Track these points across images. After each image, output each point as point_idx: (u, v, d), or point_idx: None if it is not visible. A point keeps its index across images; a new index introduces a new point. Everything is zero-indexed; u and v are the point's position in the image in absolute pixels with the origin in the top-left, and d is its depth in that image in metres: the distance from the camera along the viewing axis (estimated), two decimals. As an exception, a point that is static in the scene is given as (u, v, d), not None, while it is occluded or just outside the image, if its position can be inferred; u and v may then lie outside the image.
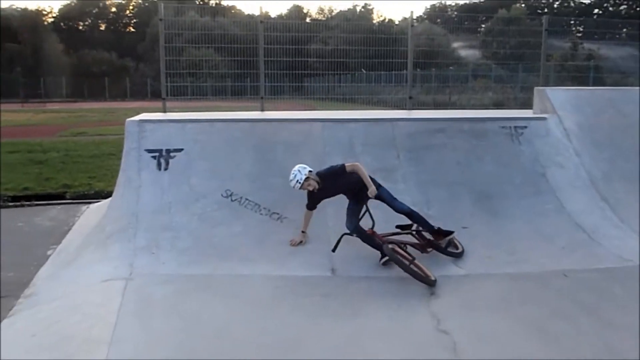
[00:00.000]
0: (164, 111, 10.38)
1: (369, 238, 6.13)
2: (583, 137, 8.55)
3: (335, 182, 6.28)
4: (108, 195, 9.66)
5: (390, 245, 5.79)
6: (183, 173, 7.41)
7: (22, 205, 9.94)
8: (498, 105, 19.85)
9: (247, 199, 7.21)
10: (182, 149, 7.61)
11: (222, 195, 7.23)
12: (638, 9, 72.33)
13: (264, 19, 11.11)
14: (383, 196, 6.33)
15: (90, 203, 9.91)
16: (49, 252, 7.07)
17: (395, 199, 6.41)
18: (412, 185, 7.58)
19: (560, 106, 8.91)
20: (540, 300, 5.30)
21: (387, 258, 5.88)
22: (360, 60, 13.43)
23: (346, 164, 6.23)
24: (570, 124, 8.68)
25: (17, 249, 7.26)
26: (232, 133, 7.91)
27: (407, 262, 5.62)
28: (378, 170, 7.59)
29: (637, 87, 9.97)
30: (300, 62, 12.27)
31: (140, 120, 7.87)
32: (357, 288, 5.64)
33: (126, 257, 6.27)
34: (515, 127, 8.42)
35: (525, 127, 8.45)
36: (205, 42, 12.43)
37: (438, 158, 7.89)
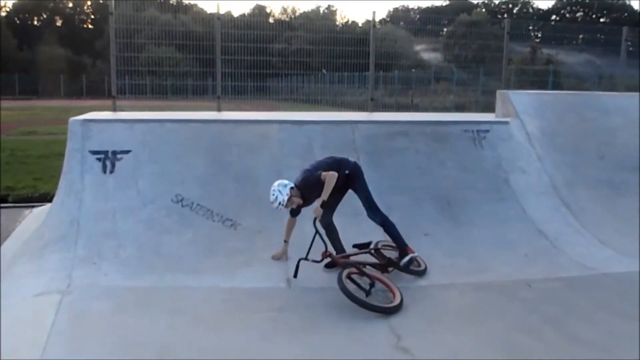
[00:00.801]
0: (114, 110, 9.85)
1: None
2: (545, 142, 8.43)
3: (313, 192, 5.75)
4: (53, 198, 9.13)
5: (345, 273, 5.23)
6: (130, 176, 6.93)
7: (-39, 209, 9.28)
8: (460, 109, 19.89)
9: (198, 205, 6.79)
10: (129, 151, 7.13)
11: (171, 200, 6.80)
12: (594, 16, 74.40)
13: (221, 16, 10.66)
14: (361, 198, 5.96)
15: (34, 207, 9.29)
16: (-18, 261, 6.50)
17: (371, 206, 5.97)
18: (372, 190, 7.25)
19: (522, 110, 8.77)
20: (504, 313, 5.06)
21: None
22: (323, 60, 13.16)
23: (322, 174, 5.66)
24: (533, 129, 8.55)
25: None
26: (184, 134, 7.47)
27: (363, 293, 5.13)
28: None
29: (598, 92, 9.96)
30: (262, 62, 11.91)
31: (85, 119, 7.36)
32: (313, 300, 5.29)
33: (64, 267, 5.77)
34: (477, 130, 8.23)
35: (488, 131, 8.27)
36: (163, 39, 11.96)
37: (399, 162, 7.62)
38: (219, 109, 10.32)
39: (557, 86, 20.92)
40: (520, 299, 5.41)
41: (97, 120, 7.41)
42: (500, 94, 9.39)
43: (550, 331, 4.69)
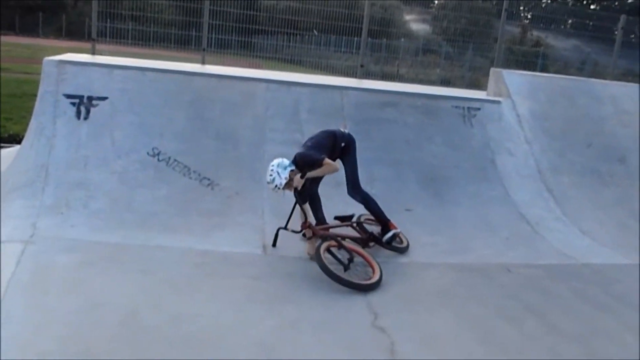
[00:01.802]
0: (93, 54, 9.36)
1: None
2: (535, 125, 8.29)
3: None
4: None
5: (324, 246, 5.02)
6: (105, 125, 6.59)
7: None
8: (445, 83, 19.65)
9: (175, 160, 6.50)
10: (106, 98, 6.77)
11: (147, 153, 6.49)
12: (584, 1, 74.20)
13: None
14: (346, 172, 5.68)
15: (2, 148, 8.86)
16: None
17: (355, 183, 5.71)
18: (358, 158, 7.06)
19: (515, 90, 8.60)
20: (484, 298, 4.93)
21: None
22: (312, 20, 12.69)
23: (325, 159, 5.25)
24: (524, 111, 8.40)
25: None
26: (165, 85, 7.10)
27: (341, 267, 4.92)
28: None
29: (592, 79, 9.83)
30: (250, 16, 11.43)
31: (61, 60, 6.93)
32: (290, 270, 5.10)
33: (29, 215, 5.47)
34: (468, 108, 8.04)
35: (479, 109, 8.08)
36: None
37: (387, 134, 7.40)
38: (203, 62, 9.89)
39: (544, 69, 20.82)
40: (500, 283, 5.30)
41: (74, 62, 6.98)
42: (493, 72, 9.17)
43: (530, 319, 4.58)
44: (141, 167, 6.35)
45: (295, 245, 5.54)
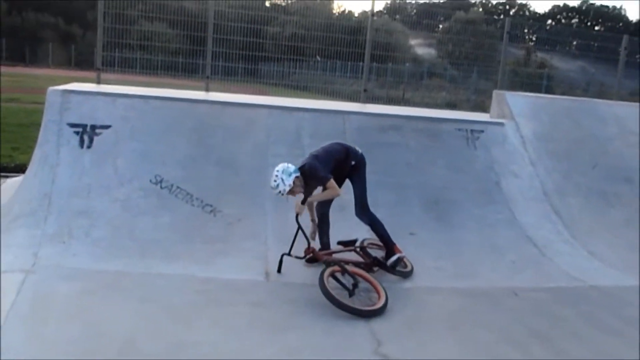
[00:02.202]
0: (98, 83, 9.47)
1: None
2: (539, 147, 8.25)
3: (315, 185, 5.49)
4: (29, 170, 8.78)
5: (327, 272, 4.96)
6: (108, 153, 6.61)
7: None
8: (451, 106, 19.71)
9: (178, 187, 6.50)
10: (109, 126, 6.81)
11: (150, 181, 6.49)
12: (589, 23, 74.67)
13: (215, -7, 10.30)
14: (355, 193, 5.63)
15: (9, 177, 8.91)
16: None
17: (363, 204, 5.63)
18: (359, 184, 7.03)
19: (518, 112, 8.57)
20: (490, 323, 4.85)
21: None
22: (316, 46, 12.81)
23: (330, 181, 5.26)
24: (528, 132, 8.36)
25: None
26: (168, 112, 7.14)
27: (346, 293, 4.87)
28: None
29: (595, 100, 9.80)
30: (255, 44, 11.56)
31: (65, 90, 6.99)
32: (293, 296, 5.04)
33: (31, 245, 5.47)
34: (471, 130, 8.01)
35: (482, 131, 8.05)
36: (156, 13, 11.56)
37: (389, 157, 7.36)
38: (207, 89, 9.98)
39: (549, 90, 20.84)
40: (507, 308, 5.22)
41: (77, 92, 7.04)
42: (496, 94, 9.17)
43: (536, 345, 4.49)
44: (144, 194, 6.35)
45: (298, 272, 5.48)
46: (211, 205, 6.40)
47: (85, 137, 6.66)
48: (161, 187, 6.47)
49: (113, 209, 6.13)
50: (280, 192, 5.20)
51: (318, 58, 13.69)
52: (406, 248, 5.96)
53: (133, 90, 7.97)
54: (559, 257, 6.61)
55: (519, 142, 8.17)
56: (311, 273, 5.44)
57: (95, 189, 6.27)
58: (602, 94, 16.83)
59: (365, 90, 11.01)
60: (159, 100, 7.25)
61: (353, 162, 5.59)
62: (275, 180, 5.19)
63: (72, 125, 6.71)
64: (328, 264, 5.14)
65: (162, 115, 7.06)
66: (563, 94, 19.03)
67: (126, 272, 5.16)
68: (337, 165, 5.44)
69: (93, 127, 6.74)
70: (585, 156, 8.38)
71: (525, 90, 16.28)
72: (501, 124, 8.31)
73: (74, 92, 7.01)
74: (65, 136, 6.63)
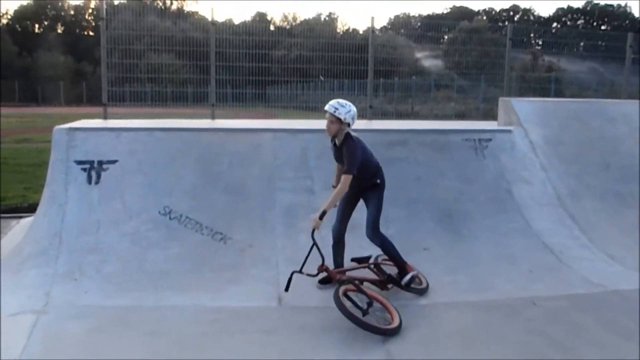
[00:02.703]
0: (105, 118, 9.57)
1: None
2: (549, 151, 8.14)
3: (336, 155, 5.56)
4: (42, 209, 8.82)
5: (342, 290, 4.89)
6: (116, 188, 6.64)
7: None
8: (460, 116, 19.66)
9: (187, 217, 6.49)
10: (116, 161, 6.85)
11: (159, 212, 6.50)
12: (594, 23, 74.40)
13: (216, 22, 10.41)
14: (369, 213, 5.46)
15: (22, 217, 8.98)
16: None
17: (375, 226, 5.45)
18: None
19: (525, 118, 8.48)
20: (508, 336, 4.73)
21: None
22: (323, 67, 12.92)
23: (349, 175, 5.15)
24: (536, 137, 8.25)
25: None
26: (173, 143, 7.18)
27: (360, 312, 4.75)
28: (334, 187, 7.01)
29: (602, 100, 9.68)
30: (262, 68, 11.65)
31: (70, 128, 7.07)
32: (306, 321, 4.96)
33: (43, 284, 5.47)
34: (479, 139, 7.93)
35: (490, 140, 7.97)
36: (162, 46, 11.74)
37: (397, 173, 7.28)
38: (212, 117, 10.03)
39: (559, 93, 20.72)
40: (525, 319, 5.09)
41: (83, 129, 7.11)
42: (502, 101, 9.09)
43: (556, 355, 4.38)
44: (153, 226, 6.35)
45: (311, 294, 5.42)
46: (221, 233, 6.38)
47: (93, 173, 6.70)
48: (170, 218, 6.47)
49: (123, 244, 6.13)
50: (336, 109, 5.23)
51: (322, 78, 13.74)
52: (420, 264, 5.90)
53: (137, 123, 8.05)
54: (577, 263, 6.47)
55: (528, 147, 8.07)
56: (325, 295, 5.39)
57: (104, 225, 6.29)
58: (612, 94, 16.67)
59: (370, 107, 10.99)
60: (163, 132, 7.29)
61: (378, 181, 5.48)
62: (344, 105, 5.25)
63: (79, 162, 6.76)
64: (342, 282, 5.06)
65: (167, 147, 7.10)
66: (573, 96, 18.93)
67: (137, 306, 5.14)
68: (360, 173, 5.29)
69: (100, 162, 6.79)
70: (597, 158, 8.26)
71: (535, 95, 16.21)
72: (509, 131, 8.23)
73: (80, 130, 7.08)
74: (72, 174, 6.68)
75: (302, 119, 11.63)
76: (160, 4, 62.93)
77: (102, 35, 9.53)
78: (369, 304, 4.85)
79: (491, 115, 14.26)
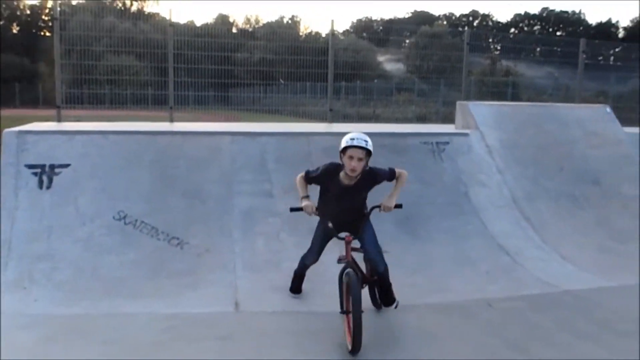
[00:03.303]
0: (59, 121, 9.31)
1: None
2: (505, 154, 8.29)
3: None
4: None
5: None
6: (69, 192, 6.45)
7: None
8: (421, 119, 19.89)
9: (143, 222, 6.36)
10: (69, 165, 6.66)
11: (113, 217, 6.35)
12: (550, 29, 76.38)
13: (174, 23, 10.27)
14: (371, 234, 4.98)
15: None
16: None
17: (379, 247, 5.04)
18: (329, 205, 6.96)
19: (482, 121, 8.62)
20: (465, 337, 4.77)
21: None
22: (285, 70, 12.87)
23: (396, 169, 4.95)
24: (493, 141, 8.40)
25: None
26: (128, 146, 7.02)
27: None
28: (292, 190, 6.95)
29: (557, 104, 9.92)
30: (224, 71, 11.55)
31: (20, 131, 6.85)
32: (264, 326, 4.90)
33: (-10, 294, 5.26)
34: (437, 143, 8.02)
35: (448, 143, 8.06)
36: (122, 47, 11.54)
37: (357, 176, 7.31)
38: (171, 120, 9.88)
39: (516, 97, 21.17)
40: (482, 320, 5.15)
41: (34, 132, 6.89)
42: (460, 105, 9.23)
43: (512, 355, 4.43)
44: (107, 232, 6.20)
45: (267, 300, 5.38)
46: (177, 238, 6.26)
47: (44, 178, 6.50)
48: (125, 223, 6.32)
49: (75, 250, 5.96)
50: (367, 142, 4.64)
51: (282, 81, 13.70)
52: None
53: (91, 126, 7.85)
54: (532, 264, 6.60)
55: (485, 151, 8.20)
56: (281, 300, 5.36)
57: (56, 231, 6.10)
58: (567, 98, 17.11)
59: (331, 110, 11.00)
60: (118, 135, 7.12)
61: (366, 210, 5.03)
62: (366, 140, 4.64)
63: (30, 167, 6.55)
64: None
65: (122, 150, 6.94)
66: (529, 100, 19.35)
67: (90, 314, 4.99)
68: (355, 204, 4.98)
69: (52, 166, 6.59)
70: (552, 161, 8.44)
71: (493, 99, 16.52)
72: (466, 135, 8.34)
73: (30, 133, 6.86)
74: (23, 178, 6.46)
75: (265, 122, 11.59)
76: (120, 5, 61.89)
77: (56, 35, 9.29)
78: None
79: (451, 119, 14.49)
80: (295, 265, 5.59)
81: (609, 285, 6.07)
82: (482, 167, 7.99)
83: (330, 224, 4.77)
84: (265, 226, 6.54)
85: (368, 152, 4.64)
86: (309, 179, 4.92)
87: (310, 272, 5.51)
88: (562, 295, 5.82)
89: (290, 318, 5.08)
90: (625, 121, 10.38)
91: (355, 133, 4.72)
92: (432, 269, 6.32)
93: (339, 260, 4.66)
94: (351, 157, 4.58)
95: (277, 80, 13.95)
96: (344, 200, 4.85)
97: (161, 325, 4.78)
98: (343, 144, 4.66)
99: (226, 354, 4.35)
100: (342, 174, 4.76)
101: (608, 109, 9.57)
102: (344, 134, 8.06)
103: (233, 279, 5.78)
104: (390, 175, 5.00)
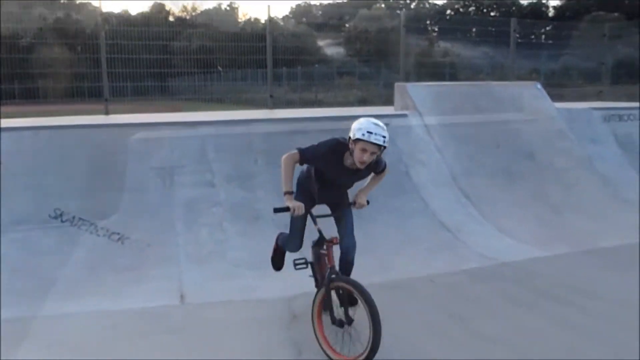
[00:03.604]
0: (-13, 118, 8.89)
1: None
2: (444, 134, 8.48)
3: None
4: None
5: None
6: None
7: None
8: (363, 102, 20.04)
9: (81, 219, 6.20)
10: (-3, 163, 6.39)
11: (49, 215, 6.15)
12: (484, 10, 78.19)
13: (109, 13, 9.96)
14: (347, 221, 4.69)
15: None
16: None
17: (353, 232, 4.72)
18: (272, 191, 6.93)
19: (421, 102, 8.78)
20: (408, 313, 4.90)
21: None
22: (225, 57, 12.70)
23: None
24: (431, 121, 8.57)
25: None
26: (62, 142, 6.79)
27: None
28: (236, 178, 6.98)
29: (492, 82, 10.21)
30: (163, 60, 11.30)
31: (-57, 130, 6.52)
32: (210, 317, 4.87)
33: None
34: (376, 125, 8.10)
35: (387, 124, 8.05)
36: (53, 39, 11.11)
37: (299, 160, 7.33)
38: (106, 112, 9.60)
39: (453, 78, 21.62)
40: (424, 296, 5.30)
41: (-42, 131, 6.57)
42: (398, 86, 9.36)
43: (454, 328, 4.59)
44: (44, 231, 6.00)
45: (213, 290, 5.35)
46: (118, 233, 6.13)
47: (-28, 178, 6.22)
48: (62, 221, 6.15)
49: (11, 251, 5.75)
50: (385, 138, 4.09)
51: (220, 69, 13.53)
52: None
53: (22, 122, 7.54)
54: (472, 239, 6.83)
55: (424, 131, 8.37)
56: (228, 289, 5.35)
57: (-11, 232, 5.87)
58: (502, 76, 17.60)
59: (271, 96, 10.95)
60: (50, 130, 6.89)
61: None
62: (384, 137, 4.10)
63: (-44, 167, 6.25)
64: None
65: (56, 146, 6.71)
66: (466, 79, 19.82)
67: (29, 317, 4.83)
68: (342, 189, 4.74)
69: (-21, 166, 6.31)
70: (488, 138, 8.69)
71: (432, 80, 16.79)
72: (404, 115, 8.49)
73: (-46, 132, 6.54)
74: (-52, 180, 6.17)
75: (206, 110, 11.43)
76: (48, -5, 59.39)
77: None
78: None
79: (391, 102, 14.71)
80: (239, 255, 5.61)
81: (545, 255, 6.34)
82: (421, 147, 8.15)
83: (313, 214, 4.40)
84: (208, 217, 6.48)
85: (384, 148, 4.12)
86: (304, 159, 4.35)
87: (256, 259, 5.53)
88: (500, 267, 6.06)
89: (237, 307, 5.08)
90: (556, 97, 10.81)
91: (372, 124, 4.09)
92: (378, 249, 6.41)
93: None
94: (364, 150, 4.02)
95: (216, 69, 13.78)
96: (338, 183, 4.54)
97: (105, 323, 4.68)
98: (357, 134, 4.03)
99: (175, 347, 4.31)
100: (346, 156, 4.25)
101: (539, 86, 9.90)
102: (285, 120, 8.12)
103: (177, 271, 5.72)
104: (382, 170, 4.65)
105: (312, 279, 4.71)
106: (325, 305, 4.22)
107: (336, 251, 4.46)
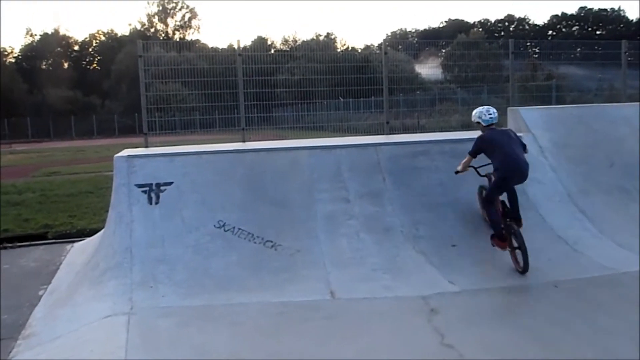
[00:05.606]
0: (146, 146, 10.40)
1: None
2: (557, 154, 8.92)
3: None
4: (91, 233, 9.65)
5: None
6: (174, 206, 7.45)
7: (4, 248, 9.76)
8: (466, 127, 20.30)
9: (240, 229, 7.29)
10: (172, 182, 7.66)
11: (214, 226, 7.31)
12: (589, 29, 75.27)
13: (242, 52, 11.27)
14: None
15: (73, 242, 9.78)
16: (40, 293, 6.98)
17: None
18: (398, 207, 7.75)
19: (533, 125, 9.29)
20: (534, 311, 5.52)
21: None
22: (327, 88, 13.59)
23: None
24: (545, 142, 9.04)
25: (6, 291, 7.13)
26: (220, 164, 8.00)
27: None
28: (366, 195, 7.81)
29: (604, 104, 10.46)
30: (268, 93, 12.41)
31: (129, 155, 7.92)
32: (358, 309, 5.76)
33: (124, 292, 6.26)
34: (493, 146, 8.70)
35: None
36: (185, 77, 12.55)
37: (423, 180, 8.11)
38: (243, 140, 10.86)
39: (560, 100, 21.45)
40: (548, 298, 5.88)
41: (140, 156, 7.96)
42: (511, 111, 9.92)
43: (580, 324, 5.15)
44: (211, 238, 7.15)
45: (359, 289, 6.22)
46: (271, 241, 7.16)
47: (153, 195, 7.52)
48: (225, 230, 7.27)
49: (186, 254, 6.93)
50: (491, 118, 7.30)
51: (341, 99, 14.53)
52: (451, 258, 6.75)
53: (185, 148, 8.88)
54: (590, 251, 7.23)
55: (538, 151, 8.86)
56: (370, 288, 6.20)
57: (168, 239, 7.09)
58: (612, 98, 17.42)
59: (387, 123, 11.81)
60: (210, 154, 8.13)
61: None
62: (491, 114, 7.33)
63: (140, 186, 7.58)
64: None
65: (216, 167, 7.92)
66: (574, 101, 19.62)
67: (211, 305, 5.93)
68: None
69: (158, 185, 7.61)
70: (602, 157, 9.03)
71: (536, 103, 16.97)
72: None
73: (137, 157, 7.92)
74: (135, 196, 7.50)
75: (310, 137, 12.35)
76: (163, 34, 64.22)
77: (141, 71, 10.34)
78: None
79: (499, 125, 15.06)
80: (376, 261, 6.53)
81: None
82: (536, 167, 8.61)
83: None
84: (345, 228, 7.38)
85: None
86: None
87: (390, 265, 6.37)
88: (620, 276, 6.47)
89: (377, 302, 5.91)
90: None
91: (492, 110, 7.39)
92: (499, 259, 7.01)
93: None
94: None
95: (319, 99, 14.64)
96: None
97: (274, 310, 5.69)
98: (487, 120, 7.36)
99: (333, 329, 5.23)
100: None
101: (653, 106, 10.07)
102: (406, 143, 8.93)
103: (324, 273, 6.63)
104: None
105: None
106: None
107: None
